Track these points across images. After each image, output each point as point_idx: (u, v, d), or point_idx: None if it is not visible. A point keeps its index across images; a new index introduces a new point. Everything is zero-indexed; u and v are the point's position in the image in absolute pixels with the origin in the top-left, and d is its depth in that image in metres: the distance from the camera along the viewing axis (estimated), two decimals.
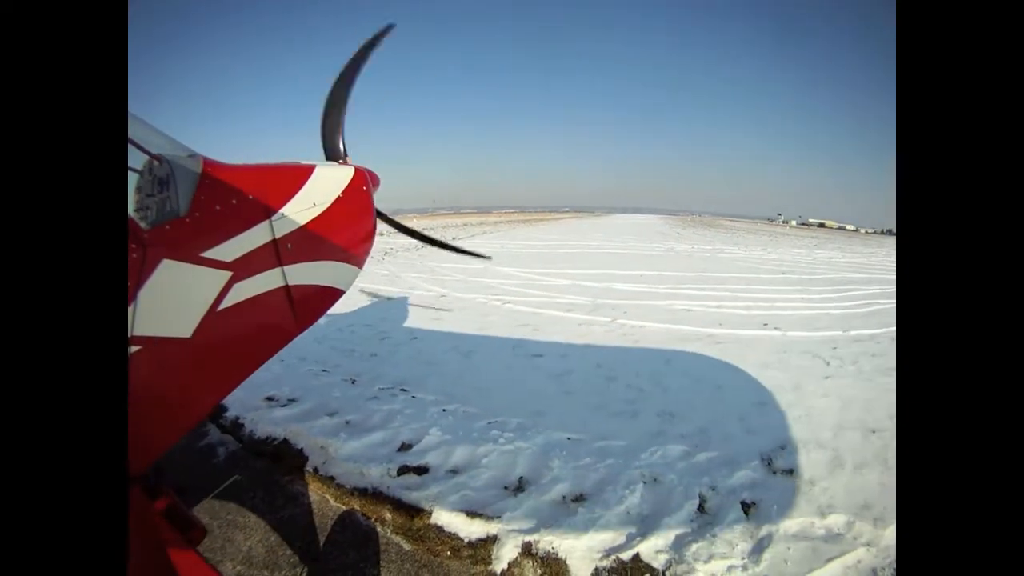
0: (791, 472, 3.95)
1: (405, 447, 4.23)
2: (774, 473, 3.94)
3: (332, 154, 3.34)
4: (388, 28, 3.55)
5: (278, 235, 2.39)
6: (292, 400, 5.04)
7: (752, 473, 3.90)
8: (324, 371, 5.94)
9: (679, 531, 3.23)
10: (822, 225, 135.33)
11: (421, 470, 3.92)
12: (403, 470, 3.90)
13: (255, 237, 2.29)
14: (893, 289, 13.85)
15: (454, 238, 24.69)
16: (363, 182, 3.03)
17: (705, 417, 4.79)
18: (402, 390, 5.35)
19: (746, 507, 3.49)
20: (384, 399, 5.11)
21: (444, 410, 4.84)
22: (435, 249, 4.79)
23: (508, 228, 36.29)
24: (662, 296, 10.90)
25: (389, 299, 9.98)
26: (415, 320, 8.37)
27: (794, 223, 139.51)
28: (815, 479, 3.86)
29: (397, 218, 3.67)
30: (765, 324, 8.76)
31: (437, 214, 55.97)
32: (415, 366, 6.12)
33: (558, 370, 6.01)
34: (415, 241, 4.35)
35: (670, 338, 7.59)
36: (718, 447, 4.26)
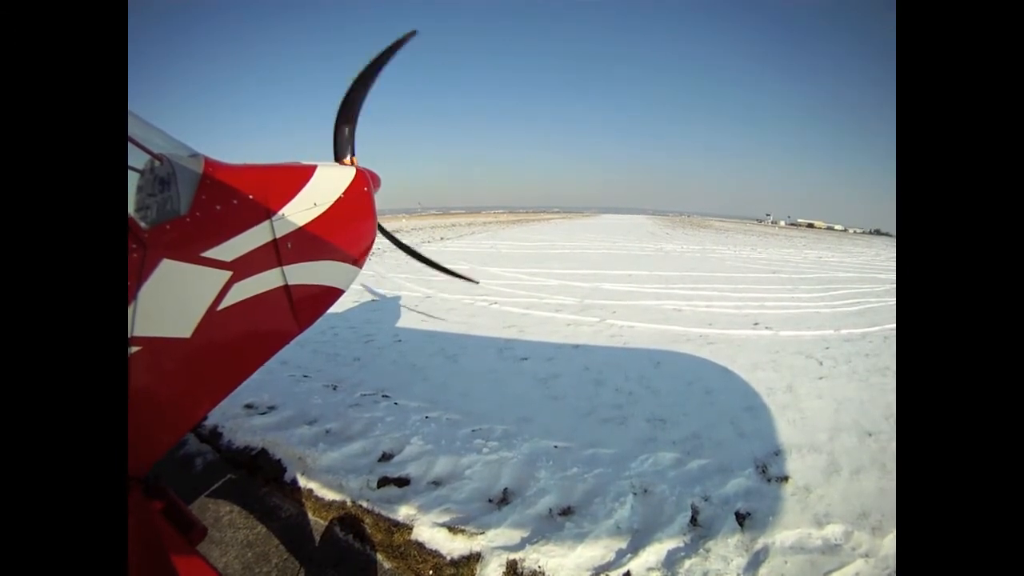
0: (786, 479, 3.83)
1: (386, 457, 4.07)
2: (769, 481, 3.80)
3: (341, 153, 3.38)
4: (411, 34, 3.49)
5: (278, 235, 2.39)
6: (272, 408, 4.87)
7: (746, 481, 3.76)
8: (305, 376, 5.75)
9: (671, 546, 3.07)
10: (811, 225, 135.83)
11: (402, 482, 3.76)
12: (383, 482, 3.75)
13: (255, 237, 2.29)
14: (882, 288, 13.98)
15: (442, 238, 24.51)
16: (364, 183, 3.03)
17: (697, 422, 4.63)
18: (384, 396, 5.18)
19: (740, 518, 3.35)
20: (366, 406, 4.93)
21: (427, 417, 4.68)
22: (421, 253, 4.71)
23: (497, 228, 35.97)
24: (652, 296, 10.77)
25: (375, 300, 9.78)
26: (400, 322, 8.17)
27: (783, 223, 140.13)
28: (811, 486, 3.74)
29: (384, 219, 3.55)
30: (756, 323, 8.66)
31: (426, 215, 55.64)
32: (398, 371, 5.94)
33: (545, 374, 5.84)
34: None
35: (660, 339, 7.45)
36: (711, 454, 4.11)
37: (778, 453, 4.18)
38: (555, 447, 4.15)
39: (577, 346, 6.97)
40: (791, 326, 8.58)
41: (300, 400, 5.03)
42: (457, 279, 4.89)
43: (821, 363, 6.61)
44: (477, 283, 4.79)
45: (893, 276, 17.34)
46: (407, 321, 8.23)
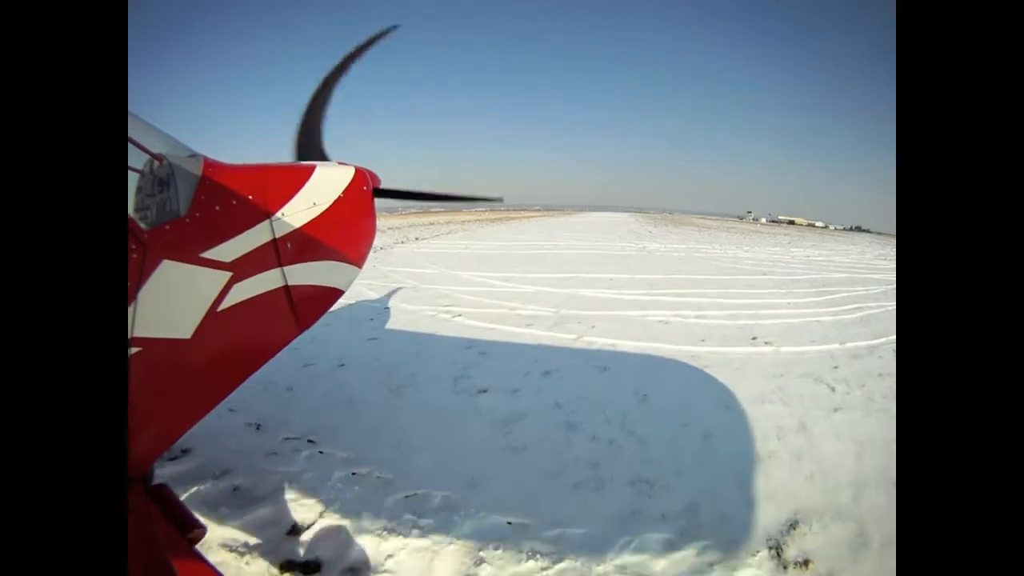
0: (807, 564, 2.97)
1: (295, 531, 3.18)
2: (785, 568, 2.93)
3: (308, 152, 3.36)
4: (390, 29, 3.51)
5: (278, 235, 2.40)
6: (184, 451, 3.92)
7: (758, 572, 2.89)
8: (231, 410, 4.71)
9: None
10: (792, 222, 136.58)
11: (310, 567, 2.90)
12: (287, 567, 2.89)
13: (255, 237, 2.30)
14: (878, 290, 13.41)
15: (417, 238, 23.41)
16: (363, 182, 2.99)
17: (694, 484, 3.65)
18: (309, 441, 4.20)
19: None
20: (285, 455, 3.98)
21: (353, 474, 3.73)
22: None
23: (477, 227, 34.84)
24: (635, 305, 9.78)
25: (329, 313, 8.68)
26: (349, 341, 7.03)
27: (764, 220, 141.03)
28: (836, 572, 2.91)
29: None
30: (754, 338, 7.72)
31: (406, 214, 54.63)
32: (332, 407, 4.90)
33: (506, 413, 4.77)
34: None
35: (646, 362, 6.43)
36: (712, 532, 3.17)
37: (795, 525, 3.29)
38: (509, 524, 3.17)
39: (548, 374, 5.87)
40: (792, 340, 7.69)
41: (216, 443, 4.07)
42: (479, 202, 4.64)
43: (833, 389, 5.70)
44: (501, 199, 4.77)
45: (886, 276, 16.91)
46: (356, 340, 7.11)
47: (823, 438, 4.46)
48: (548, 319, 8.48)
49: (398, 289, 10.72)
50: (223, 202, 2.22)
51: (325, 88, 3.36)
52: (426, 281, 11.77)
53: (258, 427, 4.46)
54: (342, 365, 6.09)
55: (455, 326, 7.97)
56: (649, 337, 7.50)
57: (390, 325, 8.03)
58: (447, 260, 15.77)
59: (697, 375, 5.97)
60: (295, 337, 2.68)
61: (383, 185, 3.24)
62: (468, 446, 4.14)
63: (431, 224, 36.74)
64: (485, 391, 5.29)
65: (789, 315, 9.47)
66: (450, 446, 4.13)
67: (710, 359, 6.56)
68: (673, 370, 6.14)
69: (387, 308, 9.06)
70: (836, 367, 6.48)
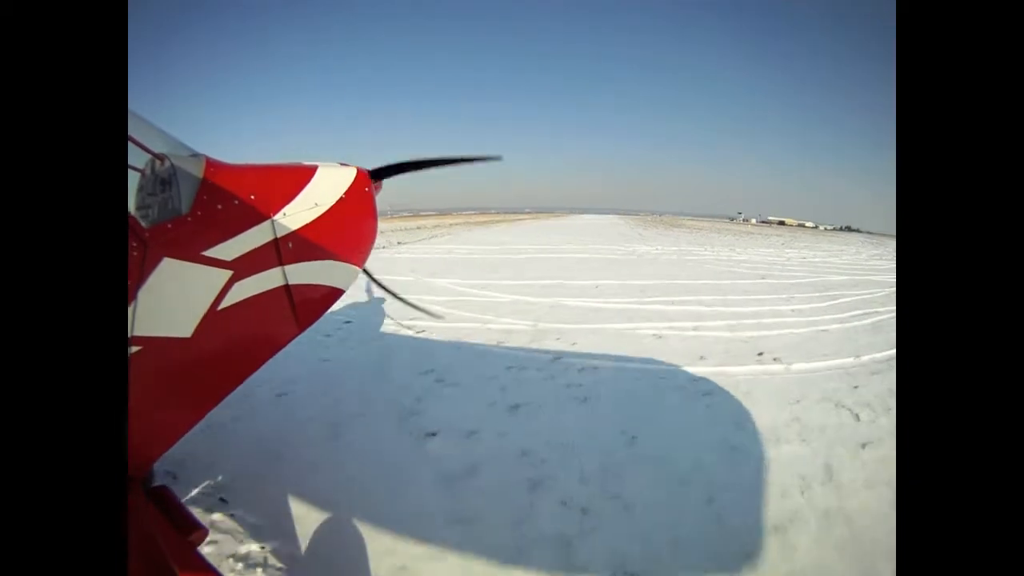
0: None
1: None
2: None
3: (377, 174, 3.26)
4: (495, 157, 3.47)
5: (279, 234, 2.40)
6: None
7: None
8: None
9: None
10: (782, 223, 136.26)
11: None
12: None
13: (256, 236, 2.29)
14: (883, 293, 12.64)
15: (399, 242, 22.43)
16: (365, 183, 3.01)
17: (694, 574, 2.71)
18: (222, 500, 3.38)
19: None
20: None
21: (262, 547, 2.96)
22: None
23: (463, 230, 33.92)
24: (624, 316, 8.82)
25: None
26: (296, 364, 6.00)
27: (754, 221, 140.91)
28: None
29: None
30: (760, 354, 6.78)
31: (395, 217, 53.82)
32: (259, 452, 4.01)
33: (457, 466, 3.77)
34: None
35: (635, 389, 5.40)
36: None
37: None
38: None
39: (516, 408, 4.82)
40: (803, 354, 6.77)
41: None
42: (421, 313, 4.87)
43: (857, 417, 4.79)
44: (441, 317, 5.06)
45: (888, 278, 16.14)
46: (304, 362, 6.10)
47: (852, 487, 3.57)
48: (524, 334, 7.50)
49: (367, 299, 9.78)
50: (225, 201, 2.21)
51: (418, 164, 3.36)
52: (399, 290, 10.83)
53: (175, 476, 3.67)
54: (283, 395, 5.17)
55: (415, 344, 7.03)
56: (640, 356, 6.55)
57: (347, 343, 7.08)
58: (426, 266, 14.80)
59: (697, 406, 4.99)
60: (295, 336, 2.65)
61: (381, 172, 3.24)
62: (402, 515, 3.19)
63: (418, 228, 35.90)
64: (434, 434, 4.30)
65: (795, 323, 8.58)
66: (381, 514, 3.18)
67: (712, 382, 5.61)
68: (668, 400, 5.14)
69: (348, 322, 8.10)
70: (856, 387, 5.58)
